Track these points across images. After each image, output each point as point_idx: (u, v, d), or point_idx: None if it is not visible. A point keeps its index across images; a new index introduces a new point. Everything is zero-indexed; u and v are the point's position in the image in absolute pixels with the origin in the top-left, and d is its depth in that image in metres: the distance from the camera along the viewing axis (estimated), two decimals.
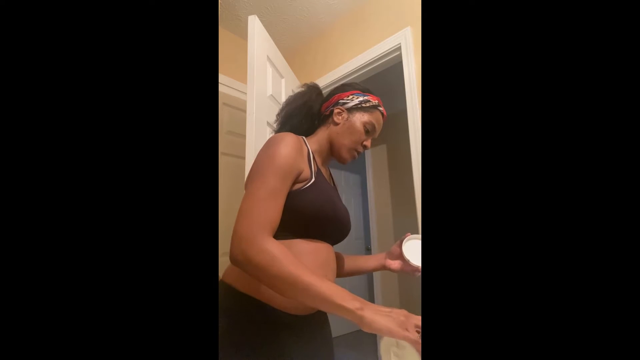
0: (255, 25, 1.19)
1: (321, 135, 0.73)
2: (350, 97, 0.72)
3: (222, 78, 1.71)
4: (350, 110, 0.71)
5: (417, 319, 0.42)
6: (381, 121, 0.74)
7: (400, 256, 0.73)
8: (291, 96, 0.78)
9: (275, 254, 0.45)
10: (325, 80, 1.75)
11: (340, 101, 0.72)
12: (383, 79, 2.06)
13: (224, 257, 1.41)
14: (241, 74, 1.79)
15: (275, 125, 0.79)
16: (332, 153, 0.73)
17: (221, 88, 1.71)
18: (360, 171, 3.31)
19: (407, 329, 0.40)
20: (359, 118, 0.71)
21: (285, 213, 0.54)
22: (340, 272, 0.79)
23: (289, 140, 0.58)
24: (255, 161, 0.58)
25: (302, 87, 0.80)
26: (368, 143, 0.73)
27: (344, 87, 0.75)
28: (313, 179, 0.60)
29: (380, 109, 0.74)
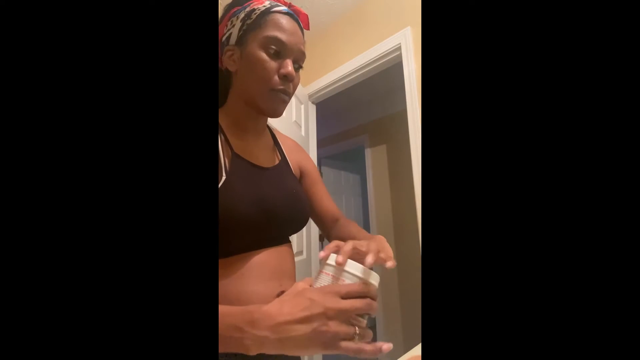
0: None
1: (231, 99, 0.51)
2: (230, 23, 0.47)
3: None
4: (240, 42, 0.46)
5: (352, 307, 0.29)
6: (293, 25, 0.47)
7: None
8: None
9: None
10: (325, 80, 1.75)
11: (223, 39, 0.48)
12: (383, 79, 2.06)
13: None
14: None
15: None
16: (255, 112, 0.50)
17: None
18: (360, 171, 3.31)
19: (342, 345, 0.29)
20: (253, 42, 0.45)
21: None
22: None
23: None
24: None
25: None
26: (288, 69, 0.46)
27: (221, 16, 0.49)
28: (224, 177, 0.43)
29: (280, 8, 0.47)
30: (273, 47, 0.45)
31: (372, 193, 2.76)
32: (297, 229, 0.53)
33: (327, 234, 0.65)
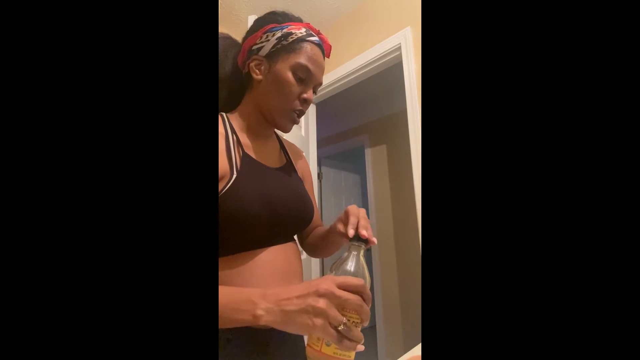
0: None
1: (246, 103, 0.54)
2: (264, 37, 0.50)
3: None
4: (270, 56, 0.50)
5: (344, 296, 0.32)
6: (320, 57, 0.51)
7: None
8: None
9: None
10: (325, 80, 1.75)
11: (254, 48, 0.51)
12: (383, 79, 2.06)
13: None
14: None
15: None
16: (267, 120, 0.54)
17: None
18: (360, 171, 3.31)
19: (329, 324, 0.32)
20: (284, 64, 0.49)
21: None
22: (318, 252, 0.63)
23: None
24: None
25: None
26: (308, 95, 0.51)
27: (255, 26, 0.52)
28: (234, 175, 0.45)
29: (313, 39, 0.50)
30: (301, 74, 0.49)
31: (372, 193, 2.76)
32: (302, 227, 0.55)
33: (302, 241, 0.68)
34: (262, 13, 0.55)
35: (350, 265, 0.39)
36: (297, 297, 0.34)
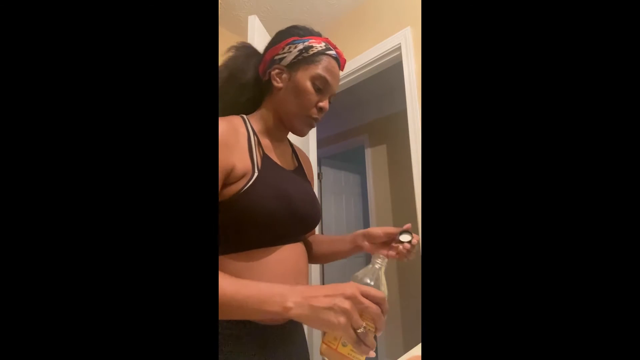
0: (255, 25, 1.19)
1: (265, 107, 0.58)
2: (287, 48, 0.55)
3: None
4: (291, 66, 0.54)
5: (365, 303, 0.35)
6: (337, 70, 0.56)
7: (391, 239, 0.62)
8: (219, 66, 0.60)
9: None
10: None
11: (276, 57, 0.55)
12: (383, 79, 2.06)
13: None
14: None
15: None
16: (284, 125, 0.58)
17: None
18: (360, 171, 3.31)
19: (351, 325, 0.35)
20: (304, 74, 0.53)
21: (228, 225, 0.46)
22: (313, 258, 0.67)
23: None
24: None
25: (228, 50, 0.60)
26: (325, 104, 0.55)
27: (277, 37, 0.57)
28: (256, 173, 0.48)
29: (331, 52, 0.56)
30: (319, 84, 0.54)
31: (372, 193, 2.76)
32: (312, 228, 0.58)
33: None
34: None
35: (373, 278, 0.42)
36: (325, 295, 0.36)
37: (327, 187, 2.99)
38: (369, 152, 2.87)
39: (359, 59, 1.59)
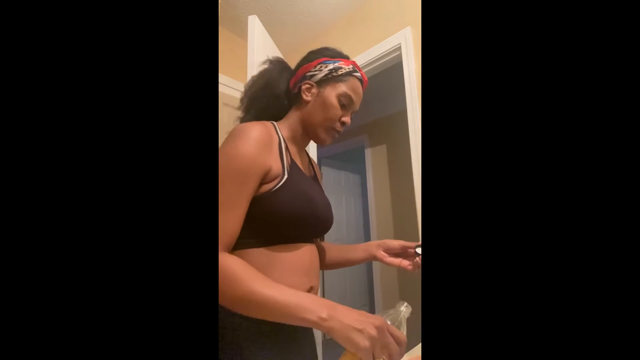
0: (255, 25, 1.19)
1: (293, 117, 0.64)
2: (318, 67, 0.62)
3: (222, 78, 1.71)
4: (320, 83, 0.61)
5: (389, 339, 0.38)
6: (360, 90, 0.64)
7: (405, 251, 0.66)
8: (254, 76, 0.67)
9: (227, 272, 0.41)
10: None
11: (307, 74, 0.62)
12: (383, 79, 2.06)
13: None
14: (241, 74, 1.79)
15: (240, 114, 0.68)
16: (308, 135, 0.64)
17: (221, 88, 1.71)
18: (360, 171, 3.31)
19: (372, 352, 0.37)
20: (332, 91, 0.60)
21: (257, 220, 0.49)
22: (324, 264, 0.71)
23: (252, 133, 0.50)
24: None
25: (264, 63, 0.68)
26: (347, 119, 0.62)
27: (310, 56, 0.65)
28: (286, 176, 0.53)
29: (357, 74, 0.63)
30: (344, 100, 0.61)
31: (372, 193, 2.76)
32: (327, 230, 0.63)
33: None
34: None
35: (395, 323, 0.45)
36: (357, 318, 0.39)
37: (327, 187, 2.98)
38: (369, 152, 2.87)
39: (359, 59, 1.59)
